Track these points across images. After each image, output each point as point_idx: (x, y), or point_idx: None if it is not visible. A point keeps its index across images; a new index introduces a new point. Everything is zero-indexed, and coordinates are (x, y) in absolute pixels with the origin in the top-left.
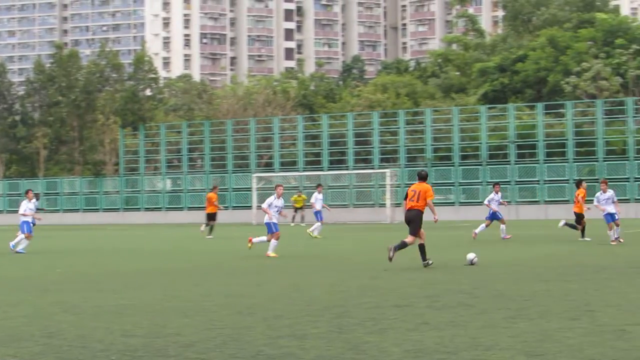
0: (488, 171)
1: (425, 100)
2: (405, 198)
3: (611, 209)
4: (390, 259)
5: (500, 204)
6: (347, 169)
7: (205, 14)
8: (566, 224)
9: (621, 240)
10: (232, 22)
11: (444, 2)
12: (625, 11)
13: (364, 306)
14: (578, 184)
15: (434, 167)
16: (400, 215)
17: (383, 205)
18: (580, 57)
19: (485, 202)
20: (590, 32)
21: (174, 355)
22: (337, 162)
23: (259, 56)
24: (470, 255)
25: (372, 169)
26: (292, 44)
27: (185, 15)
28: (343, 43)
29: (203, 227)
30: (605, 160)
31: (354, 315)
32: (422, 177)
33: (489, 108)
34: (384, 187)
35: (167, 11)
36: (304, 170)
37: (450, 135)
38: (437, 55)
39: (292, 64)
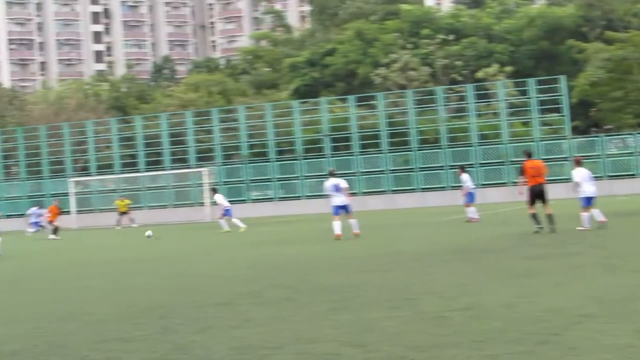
0: (305, 165)
1: (238, 98)
2: None
3: (340, 200)
4: None
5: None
6: (163, 170)
7: (12, 19)
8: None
9: (357, 232)
10: (40, 27)
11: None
12: (429, 2)
13: (187, 306)
14: None
15: (250, 164)
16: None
17: (202, 203)
18: (388, 48)
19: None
20: (396, 24)
21: None
22: (154, 163)
23: (69, 60)
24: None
25: (189, 168)
26: (101, 47)
27: None
28: (152, 44)
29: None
30: (419, 150)
31: (177, 315)
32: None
33: (301, 102)
34: (202, 186)
35: None
36: (120, 173)
37: (265, 132)
38: (246, 53)
39: (102, 66)
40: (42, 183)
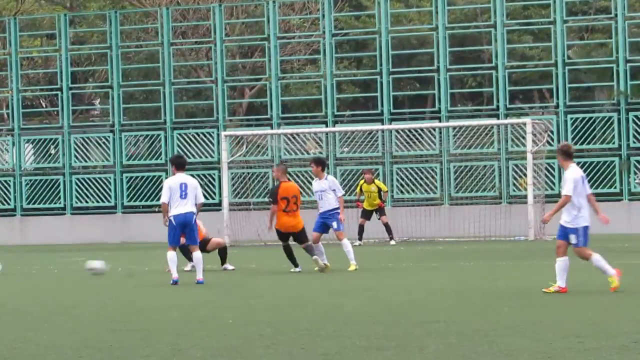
0: None
1: None
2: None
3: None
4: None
5: None
6: (438, 118)
7: None
8: None
9: None
10: None
11: None
12: None
13: None
14: None
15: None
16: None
17: (519, 199)
18: None
19: None
20: None
21: None
22: (413, 102)
23: None
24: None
25: (497, 117)
26: None
27: None
28: None
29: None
30: None
31: None
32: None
33: None
34: (522, 158)
35: None
36: (335, 123)
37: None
38: None
39: None
40: (161, 135)
